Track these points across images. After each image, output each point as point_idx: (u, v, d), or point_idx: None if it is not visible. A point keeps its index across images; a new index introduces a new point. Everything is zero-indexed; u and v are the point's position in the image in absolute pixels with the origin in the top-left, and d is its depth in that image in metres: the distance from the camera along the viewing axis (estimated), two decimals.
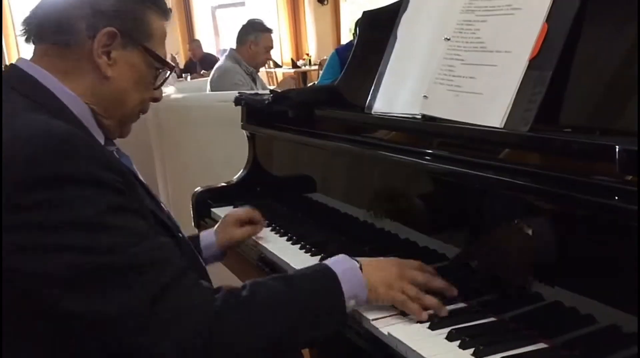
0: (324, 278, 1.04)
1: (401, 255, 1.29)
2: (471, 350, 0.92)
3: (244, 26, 3.86)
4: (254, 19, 4.03)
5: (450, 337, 0.96)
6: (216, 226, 1.53)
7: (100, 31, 1.03)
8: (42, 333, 0.94)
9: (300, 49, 10.34)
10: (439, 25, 1.36)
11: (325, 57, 7.66)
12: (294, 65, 9.98)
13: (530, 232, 1.03)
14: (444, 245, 1.20)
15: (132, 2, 1.07)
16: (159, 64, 1.12)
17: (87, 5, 1.03)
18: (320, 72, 6.80)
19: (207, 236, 1.49)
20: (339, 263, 1.07)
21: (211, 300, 0.94)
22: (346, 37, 9.22)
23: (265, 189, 1.93)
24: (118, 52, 1.05)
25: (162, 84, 1.17)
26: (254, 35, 3.76)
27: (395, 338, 0.99)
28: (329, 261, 1.09)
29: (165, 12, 1.13)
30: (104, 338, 0.91)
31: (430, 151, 1.22)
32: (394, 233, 1.35)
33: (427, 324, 1.01)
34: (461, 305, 1.08)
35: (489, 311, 1.04)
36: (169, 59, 1.17)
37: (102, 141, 1.09)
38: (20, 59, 1.07)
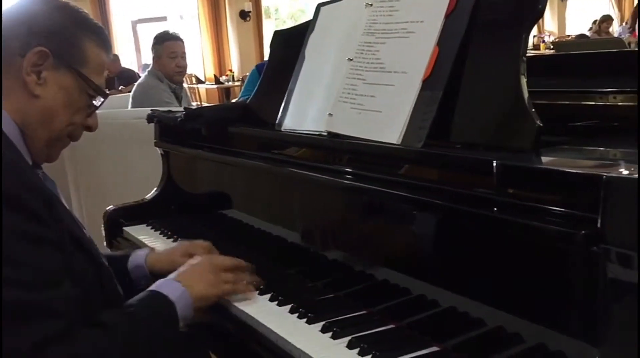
0: (166, 315, 1.10)
1: (310, 268, 1.33)
2: (369, 357, 0.97)
3: (152, 45, 3.78)
4: (156, 34, 3.93)
5: (350, 345, 1.00)
6: (164, 249, 1.49)
7: (32, 50, 1.04)
8: None
9: (223, 64, 10.30)
10: (343, 46, 1.42)
11: (247, 74, 7.69)
12: (217, 81, 9.92)
13: (426, 242, 1.10)
14: (349, 256, 1.25)
15: (69, 26, 1.09)
16: (92, 92, 1.13)
17: (24, 24, 1.05)
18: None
19: (137, 258, 1.43)
20: (172, 289, 1.13)
21: None
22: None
23: (180, 207, 1.93)
24: (49, 72, 1.06)
25: (93, 111, 1.16)
26: (155, 49, 3.69)
27: (299, 349, 1.02)
28: (163, 290, 1.13)
29: (104, 43, 1.15)
30: None
31: (335, 168, 1.27)
32: (304, 247, 1.38)
33: (330, 333, 1.05)
34: (362, 312, 1.13)
35: (389, 318, 1.09)
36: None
37: (30, 162, 1.08)
38: None
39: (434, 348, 0.98)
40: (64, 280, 0.96)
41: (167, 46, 3.67)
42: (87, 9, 1.19)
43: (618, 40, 5.80)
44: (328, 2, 1.61)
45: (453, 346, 0.98)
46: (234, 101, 7.08)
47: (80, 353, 0.93)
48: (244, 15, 9.78)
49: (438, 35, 1.18)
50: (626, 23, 9.58)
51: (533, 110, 0.99)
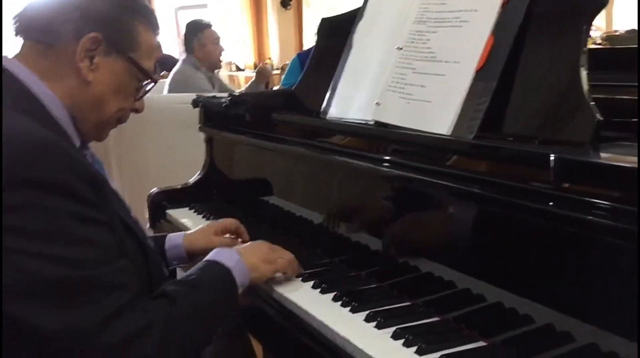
0: (224, 281, 1.13)
1: (353, 258, 1.33)
2: (414, 348, 0.96)
3: (185, 34, 3.81)
4: (190, 22, 3.93)
5: (395, 336, 0.99)
6: (193, 230, 1.51)
7: (86, 35, 1.04)
8: None
9: (262, 53, 10.32)
10: (393, 34, 1.40)
11: (287, 62, 7.68)
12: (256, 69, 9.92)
13: (474, 236, 1.08)
14: (393, 247, 1.24)
15: (121, 11, 1.09)
16: (142, 76, 1.13)
17: (76, 9, 1.04)
18: (282, 76, 6.82)
19: (175, 238, 1.47)
20: (229, 257, 1.16)
21: (155, 327, 0.94)
22: (309, 42, 9.25)
23: (221, 192, 1.94)
24: (101, 58, 1.06)
25: (143, 95, 1.17)
26: (197, 37, 3.72)
27: (343, 338, 1.01)
28: (219, 258, 1.16)
29: (154, 26, 1.15)
30: (40, 352, 0.90)
31: (381, 157, 1.25)
32: (346, 236, 1.38)
33: (374, 323, 1.04)
34: (406, 303, 1.12)
35: (434, 311, 1.08)
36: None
37: (77, 144, 1.09)
38: (4, 57, 1.07)
39: (481, 343, 0.97)
40: (121, 257, 0.97)
41: (210, 32, 3.73)
42: None
43: None
44: None
45: (501, 342, 0.96)
46: (275, 88, 7.10)
47: (151, 319, 0.94)
48: (285, 3, 9.76)
49: (493, 24, 1.16)
50: None
51: (593, 103, 0.96)
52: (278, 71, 8.18)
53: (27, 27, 1.07)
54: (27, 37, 1.07)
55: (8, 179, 0.87)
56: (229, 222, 1.51)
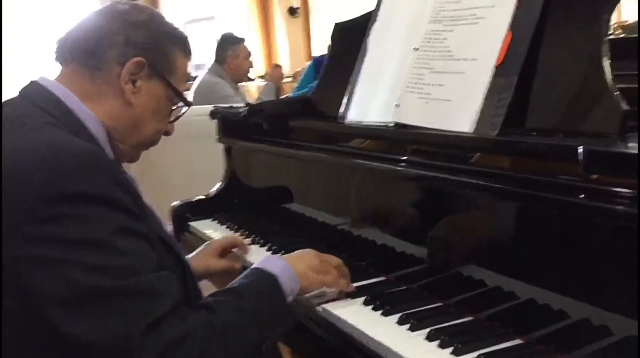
0: (270, 286, 1.10)
1: (382, 262, 1.32)
2: (450, 349, 0.95)
3: (219, 44, 3.95)
4: (225, 34, 4.10)
5: (429, 337, 0.99)
6: (195, 252, 1.51)
7: (131, 59, 1.07)
8: (30, 343, 0.94)
9: (272, 61, 10.35)
10: (408, 35, 1.40)
11: (298, 69, 7.70)
12: None
13: (502, 233, 1.07)
14: (421, 249, 1.23)
15: (163, 38, 1.13)
16: (177, 99, 1.18)
17: (121, 33, 1.08)
18: (294, 84, 6.84)
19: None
20: (274, 264, 1.14)
21: (198, 333, 0.95)
22: (318, 48, 9.27)
23: (243, 201, 1.95)
24: (143, 81, 1.10)
25: (177, 118, 1.22)
26: (231, 49, 3.85)
27: (377, 341, 1.01)
28: (264, 265, 1.14)
29: (189, 53, 1.19)
30: None
31: (405, 158, 1.25)
32: (371, 239, 1.37)
33: (407, 326, 1.04)
34: (438, 304, 1.11)
35: (466, 310, 1.07)
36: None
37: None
38: (41, 77, 1.10)
39: (518, 341, 0.96)
40: (160, 269, 0.98)
41: (244, 47, 3.91)
42: None
43: None
44: None
45: (537, 338, 0.95)
46: (288, 95, 7.12)
47: (191, 328, 0.94)
48: (292, 11, 9.79)
49: (510, 20, 1.15)
50: None
51: (618, 93, 0.95)
52: (290, 79, 8.20)
53: (71, 50, 1.10)
54: (71, 62, 1.10)
55: (52, 190, 0.89)
56: (226, 240, 1.52)
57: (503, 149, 1.07)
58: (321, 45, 9.12)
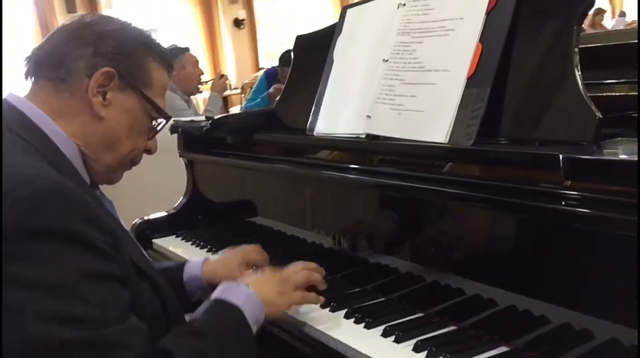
0: (234, 322, 1.03)
1: (357, 273, 1.31)
2: None
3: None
4: (168, 47, 4.02)
5: (416, 348, 0.99)
6: (215, 258, 1.42)
7: (98, 70, 1.01)
8: None
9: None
10: (376, 47, 1.40)
11: (247, 81, 7.67)
12: None
13: (479, 241, 1.08)
14: (397, 259, 1.23)
15: (135, 47, 1.06)
16: (155, 113, 1.10)
17: (90, 45, 1.02)
18: (242, 96, 6.80)
19: (193, 268, 1.36)
20: (236, 293, 1.07)
21: None
22: (264, 60, 9.26)
23: (207, 217, 1.91)
24: (114, 94, 1.03)
25: (155, 134, 1.13)
26: (177, 60, 3.73)
27: (365, 355, 1.00)
28: (226, 296, 1.06)
29: (167, 65, 1.12)
30: None
31: (379, 169, 1.25)
32: (345, 251, 1.36)
33: (393, 337, 1.03)
34: (419, 314, 1.11)
35: (448, 320, 1.08)
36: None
37: (88, 182, 1.05)
38: (10, 94, 1.03)
39: (504, 348, 0.97)
40: (130, 314, 0.91)
41: (190, 55, 3.77)
42: None
43: None
44: (353, 4, 1.60)
45: (524, 345, 0.96)
46: (234, 108, 7.08)
47: None
48: (238, 23, 9.75)
49: (480, 31, 1.17)
50: (620, 15, 9.61)
51: (591, 102, 0.98)
52: (238, 91, 8.15)
53: (38, 66, 1.04)
54: (39, 77, 1.04)
55: (13, 225, 0.82)
56: (254, 250, 1.40)
57: (479, 158, 1.08)
58: (268, 57, 9.12)
